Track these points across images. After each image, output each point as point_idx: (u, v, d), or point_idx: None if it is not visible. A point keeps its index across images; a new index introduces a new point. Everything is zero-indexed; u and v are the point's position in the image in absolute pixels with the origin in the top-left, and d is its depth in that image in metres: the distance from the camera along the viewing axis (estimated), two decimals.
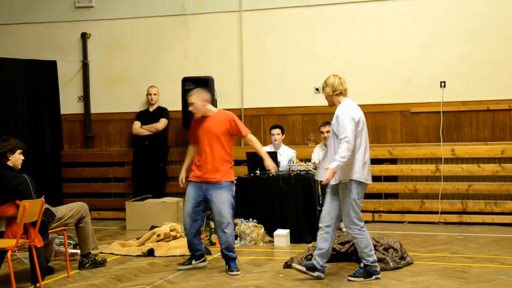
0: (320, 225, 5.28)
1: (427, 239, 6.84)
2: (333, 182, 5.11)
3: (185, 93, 7.95)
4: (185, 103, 7.96)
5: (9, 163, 5.26)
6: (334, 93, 5.32)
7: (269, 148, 7.51)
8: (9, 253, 4.93)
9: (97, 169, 8.88)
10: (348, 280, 5.19)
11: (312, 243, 6.13)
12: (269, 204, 6.89)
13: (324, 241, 5.21)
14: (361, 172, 5.15)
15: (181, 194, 8.31)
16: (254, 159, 7.00)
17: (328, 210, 5.22)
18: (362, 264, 5.22)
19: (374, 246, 5.69)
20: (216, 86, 8.09)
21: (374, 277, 5.17)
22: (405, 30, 8.05)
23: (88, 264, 5.73)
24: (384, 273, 5.39)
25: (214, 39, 8.65)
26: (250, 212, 6.82)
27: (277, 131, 7.54)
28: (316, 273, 5.20)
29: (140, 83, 8.73)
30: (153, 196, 8.16)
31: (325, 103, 8.08)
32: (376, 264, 5.21)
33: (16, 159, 5.30)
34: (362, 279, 5.16)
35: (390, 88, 8.09)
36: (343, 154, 4.97)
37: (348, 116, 5.12)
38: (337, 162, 4.99)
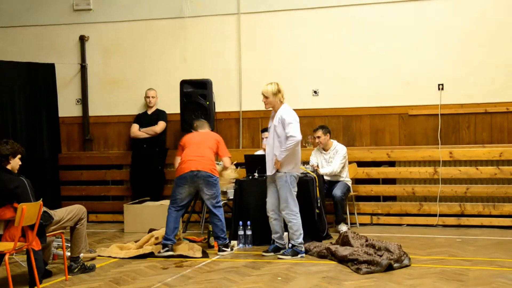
0: (268, 214, 6.22)
1: (425, 242, 6.84)
2: (269, 172, 6.09)
3: (184, 96, 8.08)
4: (184, 105, 8.08)
5: (9, 166, 5.27)
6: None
7: (260, 152, 7.49)
8: (7, 256, 4.93)
9: (95, 172, 8.88)
10: (279, 258, 6.06)
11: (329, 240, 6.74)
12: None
13: (277, 225, 6.23)
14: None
15: None
16: (252, 162, 7.02)
17: (271, 202, 6.18)
18: (290, 245, 6.16)
19: (371, 246, 5.78)
20: (214, 88, 8.12)
21: (299, 255, 6.11)
22: (403, 33, 8.06)
23: (76, 269, 5.71)
24: (381, 275, 5.42)
25: (213, 41, 8.66)
26: (248, 215, 6.80)
27: (266, 134, 7.50)
28: (284, 252, 6.18)
29: (139, 86, 8.73)
30: (151, 199, 8.17)
31: (324, 105, 8.33)
32: (302, 246, 6.15)
33: (16, 163, 5.31)
34: (290, 257, 6.07)
35: (388, 90, 8.10)
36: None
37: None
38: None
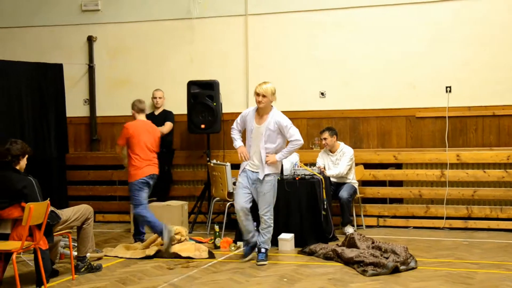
0: (238, 214, 6.07)
1: (432, 244, 6.84)
2: (262, 176, 5.96)
3: (191, 96, 8.09)
4: (191, 106, 8.09)
5: (17, 166, 5.31)
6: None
7: None
8: (14, 255, 4.97)
9: (102, 172, 8.90)
10: (259, 265, 5.93)
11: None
12: (273, 208, 6.83)
13: (249, 225, 6.13)
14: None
15: (186, 197, 8.47)
16: None
17: (241, 202, 6.02)
18: (263, 250, 6.08)
19: (378, 249, 5.79)
20: (221, 89, 8.13)
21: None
22: (410, 35, 8.07)
23: (83, 269, 5.74)
24: (388, 277, 5.43)
25: (220, 43, 8.69)
26: (254, 216, 6.75)
27: None
28: (261, 259, 6.06)
29: (146, 87, 8.74)
30: (158, 199, 8.12)
31: (331, 107, 8.33)
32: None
33: (24, 163, 5.37)
34: (266, 261, 6.01)
35: (395, 93, 8.11)
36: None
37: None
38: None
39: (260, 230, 6.13)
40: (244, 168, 6.06)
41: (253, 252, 6.17)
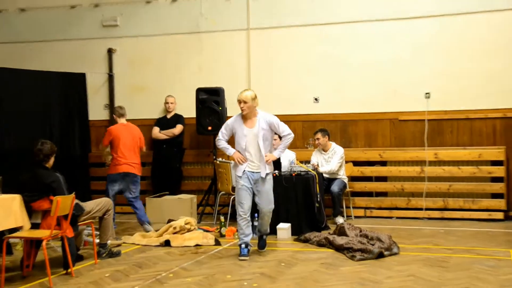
0: (245, 216, 5.75)
1: (412, 233, 6.84)
2: (264, 174, 5.72)
3: (199, 102, 8.08)
4: (199, 110, 8.08)
5: (47, 164, 5.35)
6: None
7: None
8: (44, 242, 5.01)
9: None
10: (261, 251, 5.86)
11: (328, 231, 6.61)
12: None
13: (250, 227, 5.82)
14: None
15: (195, 191, 8.44)
16: None
17: (249, 204, 5.76)
18: (264, 237, 5.98)
19: (365, 236, 5.80)
20: (226, 95, 8.11)
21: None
22: (393, 47, 8.05)
23: (105, 254, 5.78)
24: (374, 261, 5.44)
25: (225, 54, 8.67)
26: (255, 209, 6.79)
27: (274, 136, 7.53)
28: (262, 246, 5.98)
29: (159, 93, 8.73)
30: (170, 193, 8.16)
31: (324, 111, 8.33)
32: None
33: (52, 161, 5.41)
34: (265, 248, 5.93)
35: (381, 98, 8.08)
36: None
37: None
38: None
39: (261, 221, 5.93)
40: (244, 170, 5.72)
41: (248, 253, 5.78)
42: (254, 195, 5.81)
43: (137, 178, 7.08)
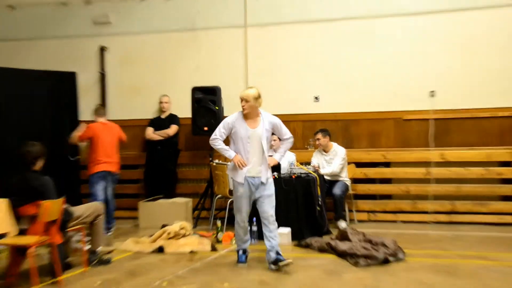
0: (244, 224, 5.61)
1: (418, 237, 6.81)
2: (265, 179, 5.51)
3: (195, 101, 8.07)
4: (195, 110, 8.05)
5: (36, 167, 5.26)
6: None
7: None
8: (31, 249, 4.90)
9: None
10: (285, 265, 5.33)
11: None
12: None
13: (248, 232, 5.73)
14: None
15: (190, 195, 8.42)
16: None
17: (248, 212, 5.59)
18: (281, 257, 5.40)
19: (368, 241, 5.75)
20: (223, 94, 8.09)
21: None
22: (397, 44, 8.03)
23: (95, 261, 5.69)
24: (378, 267, 5.39)
25: (222, 51, 8.65)
26: (254, 212, 6.70)
27: (273, 137, 7.44)
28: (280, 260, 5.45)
29: (153, 92, 8.72)
30: (164, 197, 8.15)
31: (324, 110, 8.29)
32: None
33: (41, 163, 5.32)
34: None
35: (384, 97, 8.05)
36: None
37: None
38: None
39: (268, 233, 5.50)
40: (245, 176, 5.45)
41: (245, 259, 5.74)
42: (254, 201, 5.62)
43: (117, 177, 7.36)
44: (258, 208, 5.61)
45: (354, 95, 8.18)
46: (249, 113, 5.48)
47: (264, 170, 5.52)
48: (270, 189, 5.56)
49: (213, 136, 5.56)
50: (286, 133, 5.65)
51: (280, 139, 5.82)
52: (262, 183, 5.51)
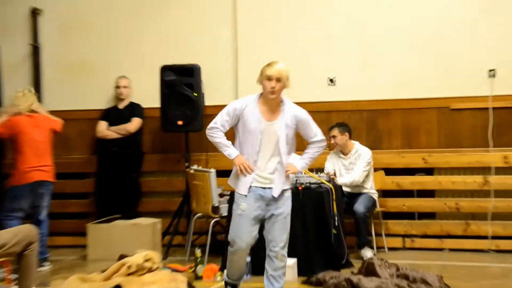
0: (243, 256, 5.48)
1: (474, 272, 6.81)
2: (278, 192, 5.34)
3: (165, 85, 8.08)
4: (165, 98, 8.07)
5: None
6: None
7: None
8: None
9: None
10: None
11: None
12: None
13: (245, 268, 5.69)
14: None
15: (159, 213, 8.42)
16: None
17: (253, 239, 5.37)
18: None
19: (404, 277, 5.80)
20: (203, 76, 8.11)
21: None
22: (445, 3, 8.07)
23: None
24: None
25: (202, 17, 8.66)
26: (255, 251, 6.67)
27: None
28: None
29: (107, 73, 8.71)
30: (122, 217, 8.13)
31: (342, 98, 8.28)
32: None
33: None
34: None
35: (425, 78, 8.05)
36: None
37: None
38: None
39: (272, 272, 5.37)
40: (251, 186, 5.31)
41: None
42: (261, 224, 5.46)
43: (51, 187, 7.38)
44: (264, 234, 5.45)
45: (383, 77, 8.19)
46: (272, 100, 5.32)
47: (278, 179, 5.36)
48: (285, 207, 5.39)
49: (211, 125, 5.39)
50: (317, 133, 5.48)
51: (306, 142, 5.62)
52: (273, 197, 5.35)
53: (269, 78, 5.22)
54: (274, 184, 5.31)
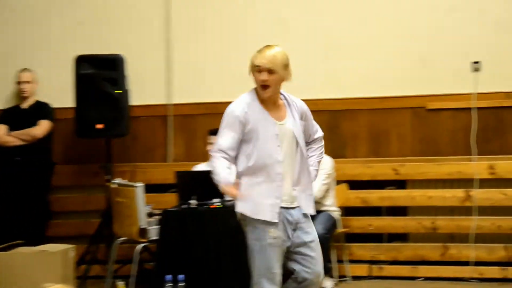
0: None
1: None
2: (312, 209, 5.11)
3: (80, 80, 8.02)
4: (80, 96, 8.01)
5: None
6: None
7: (203, 166, 7.45)
8: None
9: None
10: None
11: None
12: (211, 253, 6.76)
13: None
14: None
15: (73, 238, 8.23)
16: (188, 183, 7.09)
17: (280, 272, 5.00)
18: None
19: None
20: (129, 69, 8.04)
21: None
22: None
23: None
24: None
25: None
26: (179, 266, 6.64)
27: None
28: None
29: (6, 65, 8.58)
30: (26, 243, 7.71)
31: (299, 95, 7.77)
32: None
33: None
34: None
35: (397, 73, 8.05)
36: None
37: None
38: None
39: None
40: (280, 211, 4.94)
41: None
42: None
43: None
44: (289, 267, 5.07)
45: (347, 72, 8.20)
46: (273, 94, 5.05)
47: (303, 192, 5.03)
48: (313, 229, 5.08)
49: (215, 152, 4.96)
50: (318, 129, 5.27)
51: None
52: (305, 216, 5.02)
53: (259, 70, 4.97)
54: (300, 200, 5.00)
